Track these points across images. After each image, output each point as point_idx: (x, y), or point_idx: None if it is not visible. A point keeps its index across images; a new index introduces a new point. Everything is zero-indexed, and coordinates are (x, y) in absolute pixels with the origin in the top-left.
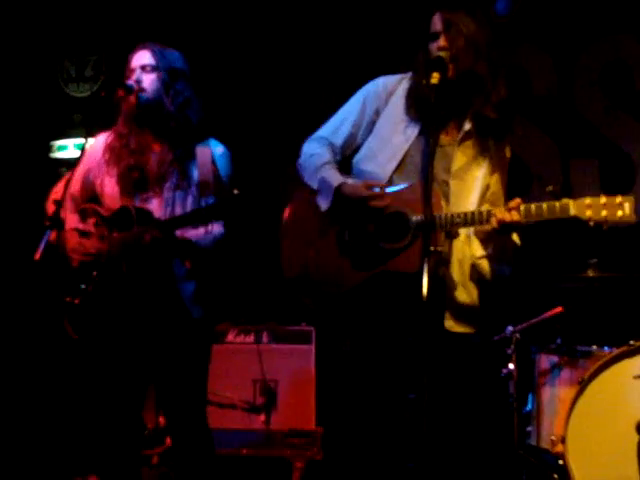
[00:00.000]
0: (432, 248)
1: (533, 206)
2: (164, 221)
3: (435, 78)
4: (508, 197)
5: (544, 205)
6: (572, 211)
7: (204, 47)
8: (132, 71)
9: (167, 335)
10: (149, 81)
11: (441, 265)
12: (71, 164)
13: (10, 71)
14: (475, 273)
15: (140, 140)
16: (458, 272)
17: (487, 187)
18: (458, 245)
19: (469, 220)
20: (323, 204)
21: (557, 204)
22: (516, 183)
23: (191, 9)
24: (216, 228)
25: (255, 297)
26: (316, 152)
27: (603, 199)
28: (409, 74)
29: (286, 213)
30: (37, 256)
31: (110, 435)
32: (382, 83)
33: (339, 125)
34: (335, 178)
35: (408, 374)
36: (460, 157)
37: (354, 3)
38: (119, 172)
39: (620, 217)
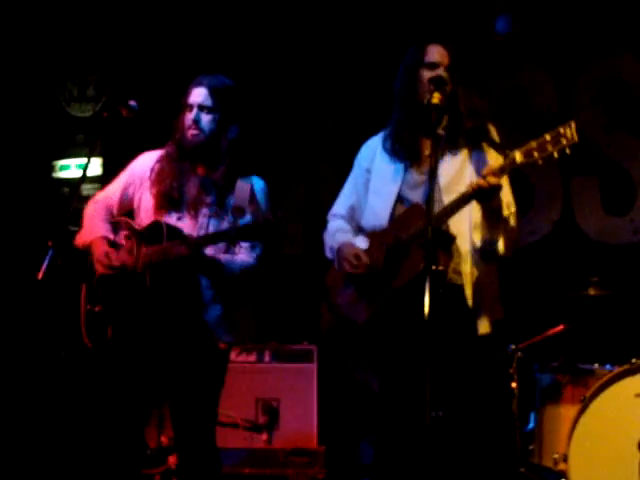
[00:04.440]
0: (434, 267)
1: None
2: (194, 238)
3: (436, 98)
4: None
5: (497, 166)
6: (519, 159)
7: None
8: (190, 107)
9: (186, 354)
10: (206, 122)
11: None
12: (73, 183)
13: (12, 91)
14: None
15: (187, 166)
16: (470, 282)
17: None
18: (465, 257)
19: (455, 206)
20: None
21: (506, 160)
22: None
23: (193, 33)
24: (247, 258)
25: (257, 316)
26: (328, 227)
27: (548, 136)
28: (383, 131)
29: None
30: (40, 275)
31: (111, 452)
32: (366, 146)
33: (342, 200)
34: (338, 242)
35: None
36: (444, 172)
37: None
38: (159, 190)
39: (565, 143)
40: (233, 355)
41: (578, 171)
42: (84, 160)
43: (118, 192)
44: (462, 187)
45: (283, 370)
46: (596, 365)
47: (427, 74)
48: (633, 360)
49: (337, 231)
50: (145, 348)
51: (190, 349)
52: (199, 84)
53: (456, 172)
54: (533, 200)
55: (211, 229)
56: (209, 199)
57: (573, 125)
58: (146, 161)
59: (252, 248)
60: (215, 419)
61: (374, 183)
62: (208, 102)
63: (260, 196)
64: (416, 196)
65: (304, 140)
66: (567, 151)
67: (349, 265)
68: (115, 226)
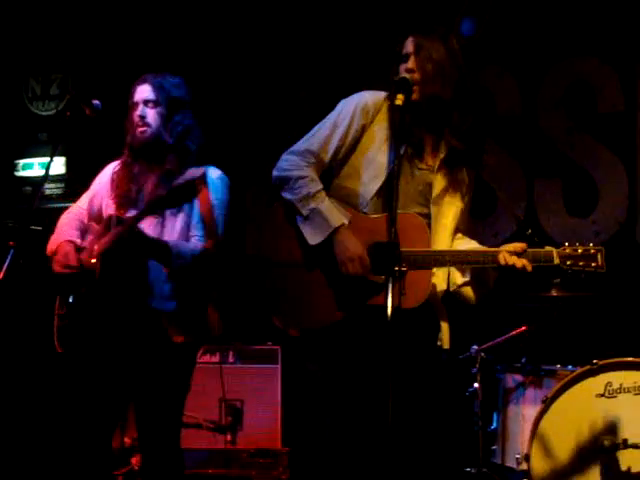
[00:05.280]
0: (403, 292)
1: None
2: (129, 217)
3: (399, 100)
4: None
5: (530, 252)
6: (556, 260)
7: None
8: (136, 105)
9: (144, 351)
10: (152, 116)
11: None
12: (36, 182)
13: None
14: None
15: (142, 166)
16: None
17: (459, 211)
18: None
19: (459, 260)
20: (313, 237)
21: (542, 252)
22: (481, 204)
23: (159, 29)
24: (201, 243)
25: (221, 316)
26: (306, 174)
27: (580, 249)
28: None
29: (264, 231)
30: (1, 276)
31: (83, 454)
32: (371, 100)
33: (327, 139)
34: (333, 216)
35: (380, 396)
36: (439, 183)
37: (328, 26)
38: (117, 194)
39: (594, 267)
40: None
41: (541, 173)
42: (47, 159)
43: (86, 203)
44: (445, 202)
45: (247, 371)
46: (558, 366)
47: (400, 67)
48: (594, 361)
49: (319, 192)
50: (104, 344)
51: (143, 342)
52: (142, 82)
53: (447, 185)
54: (497, 201)
55: (168, 224)
56: (165, 194)
57: (603, 252)
58: (108, 170)
59: (208, 235)
60: (180, 419)
61: (368, 146)
62: (152, 96)
63: (217, 184)
64: (408, 186)
65: (266, 139)
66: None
67: (354, 268)
68: (83, 233)
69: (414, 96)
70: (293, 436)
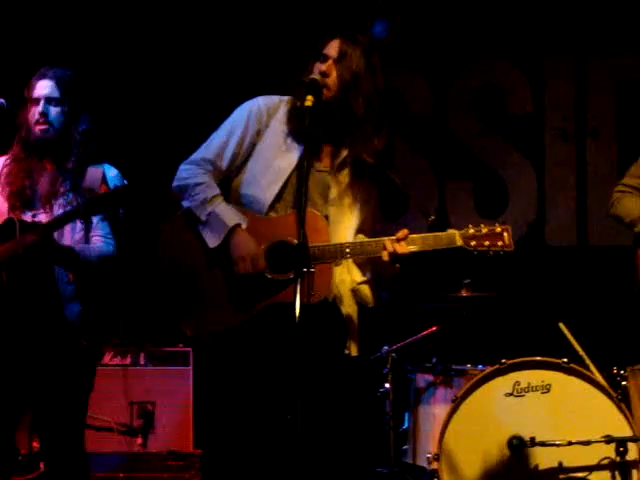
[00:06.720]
0: (313, 294)
1: (420, 237)
2: (42, 224)
3: (309, 101)
4: (385, 219)
5: (431, 236)
6: (458, 242)
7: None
8: (36, 101)
9: (48, 354)
10: (55, 114)
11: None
12: None
13: None
14: (355, 297)
15: (35, 162)
16: (340, 296)
17: (361, 214)
18: (338, 270)
19: (359, 251)
20: (212, 240)
21: (443, 235)
22: (392, 205)
23: (65, 27)
24: (102, 245)
25: (131, 318)
26: (203, 180)
27: (485, 229)
28: (288, 97)
29: (166, 241)
30: None
31: None
32: (264, 104)
33: (223, 146)
34: (229, 216)
35: (288, 396)
36: (336, 184)
37: (231, 27)
38: (11, 192)
39: (501, 246)
40: (107, 358)
41: (452, 174)
42: None
43: None
44: (346, 204)
45: (158, 373)
46: (468, 365)
47: (316, 66)
48: (503, 360)
49: (216, 196)
50: (5, 348)
51: (50, 347)
52: (43, 76)
53: (346, 186)
54: (408, 202)
55: (67, 225)
56: (63, 189)
57: (510, 230)
58: None
59: (110, 236)
60: (83, 423)
61: (265, 151)
62: (56, 94)
63: (114, 183)
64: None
65: (175, 137)
66: (500, 253)
67: (244, 267)
68: None
69: (323, 98)
70: (205, 438)
